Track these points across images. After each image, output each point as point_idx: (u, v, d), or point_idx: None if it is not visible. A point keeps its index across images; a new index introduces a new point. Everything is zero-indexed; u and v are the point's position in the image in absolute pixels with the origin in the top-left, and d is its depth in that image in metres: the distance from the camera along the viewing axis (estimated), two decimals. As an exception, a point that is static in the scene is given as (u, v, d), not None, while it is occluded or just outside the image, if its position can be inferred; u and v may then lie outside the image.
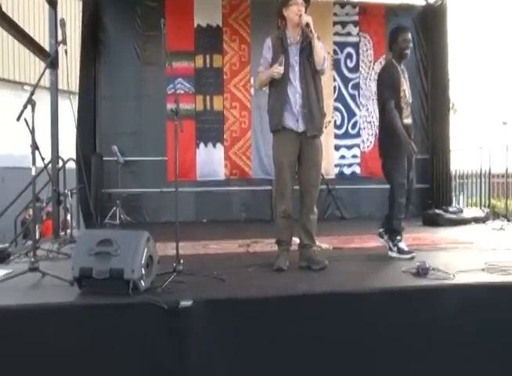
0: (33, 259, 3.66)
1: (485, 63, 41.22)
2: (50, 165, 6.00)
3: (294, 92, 4.09)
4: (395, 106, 4.48)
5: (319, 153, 4.22)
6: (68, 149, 6.44)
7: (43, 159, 4.48)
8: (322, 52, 4.09)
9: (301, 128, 4.10)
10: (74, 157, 6.34)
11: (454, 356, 3.26)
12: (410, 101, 4.65)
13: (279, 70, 4.01)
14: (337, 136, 8.63)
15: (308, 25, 4.00)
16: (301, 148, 4.14)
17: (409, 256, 4.44)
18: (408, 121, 4.60)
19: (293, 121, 4.10)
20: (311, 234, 4.20)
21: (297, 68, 4.09)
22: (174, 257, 3.69)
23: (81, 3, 8.16)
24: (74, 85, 7.16)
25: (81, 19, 7.90)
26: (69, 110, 5.25)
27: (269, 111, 4.24)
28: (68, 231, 6.15)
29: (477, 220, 7.35)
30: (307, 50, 4.09)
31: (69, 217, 6.62)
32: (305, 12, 4.08)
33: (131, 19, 8.20)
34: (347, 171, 8.67)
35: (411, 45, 4.63)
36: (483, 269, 3.81)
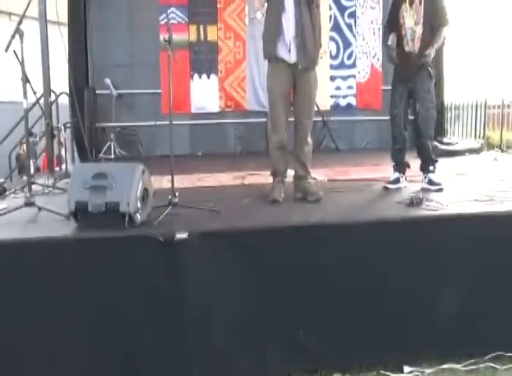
0: (28, 194, 3.68)
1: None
2: (42, 99, 5.90)
3: (288, 21, 3.97)
4: (396, 32, 4.50)
5: (312, 85, 4.15)
6: (59, 83, 6.32)
7: (35, 92, 4.42)
8: None
9: (292, 59, 4.02)
10: (66, 90, 6.24)
11: (450, 284, 3.34)
12: (417, 30, 4.53)
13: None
14: (332, 67, 8.46)
15: None
16: (295, 79, 4.08)
17: (394, 186, 4.53)
18: (409, 48, 4.51)
19: (285, 52, 4.02)
20: (305, 165, 4.22)
21: None
22: (169, 190, 3.71)
23: None
24: (64, 16, 6.94)
25: None
26: (58, 42, 5.12)
27: (263, 37, 4.15)
28: (63, 166, 6.14)
29: (471, 151, 7.36)
30: None
31: (63, 152, 6.59)
32: None
33: None
34: (342, 102, 8.55)
35: None
36: (476, 200, 3.85)
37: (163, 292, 3.07)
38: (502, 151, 7.29)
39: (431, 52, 4.40)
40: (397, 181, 4.60)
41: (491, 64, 8.05)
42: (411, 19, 4.53)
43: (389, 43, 4.55)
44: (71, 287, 3.01)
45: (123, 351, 3.07)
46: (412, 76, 4.47)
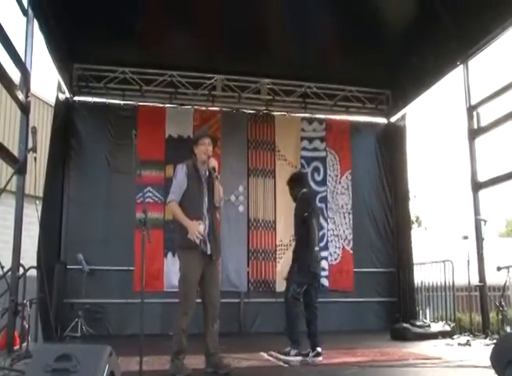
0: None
1: (448, 178, 43.00)
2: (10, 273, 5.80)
3: (204, 219, 4.63)
4: None
5: (219, 271, 4.90)
6: (29, 256, 6.30)
7: (2, 267, 4.43)
8: (221, 192, 4.78)
9: (208, 251, 4.59)
10: (36, 264, 6.20)
11: None
12: None
13: (200, 234, 4.47)
14: (305, 249, 8.64)
15: (214, 168, 4.67)
16: (205, 267, 4.58)
17: None
18: None
19: (204, 244, 4.57)
20: (216, 342, 4.59)
21: (206, 198, 4.69)
22: (137, 373, 3.55)
23: (52, 109, 8.23)
24: (42, 191, 7.07)
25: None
26: (31, 216, 5.21)
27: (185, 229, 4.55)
28: (24, 344, 5.84)
29: (443, 334, 7.32)
30: (211, 185, 4.73)
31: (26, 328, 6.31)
32: (214, 149, 4.84)
33: (103, 127, 8.45)
34: (315, 284, 8.61)
35: None
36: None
37: None
38: (474, 335, 7.26)
39: None
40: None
41: (457, 249, 8.37)
42: None
43: None
44: None
45: None
46: None
